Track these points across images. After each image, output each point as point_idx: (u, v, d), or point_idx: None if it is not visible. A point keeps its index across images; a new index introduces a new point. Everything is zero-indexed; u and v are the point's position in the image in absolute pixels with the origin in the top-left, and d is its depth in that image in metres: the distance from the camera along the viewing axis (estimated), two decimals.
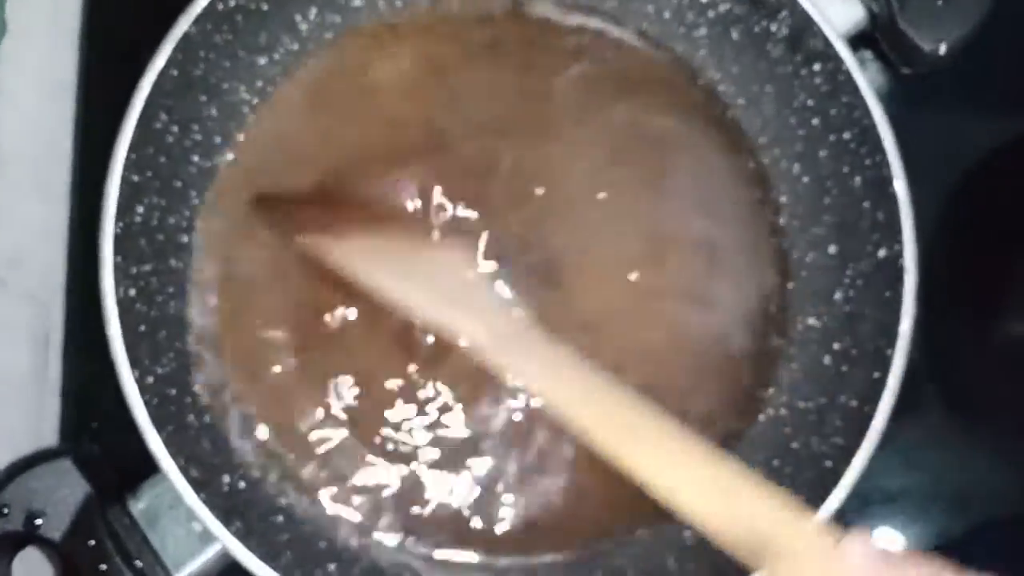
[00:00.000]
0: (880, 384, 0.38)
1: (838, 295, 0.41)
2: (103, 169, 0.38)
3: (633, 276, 0.42)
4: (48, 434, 0.46)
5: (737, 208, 0.43)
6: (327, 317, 0.41)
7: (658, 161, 0.43)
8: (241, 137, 0.42)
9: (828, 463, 0.39)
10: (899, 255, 0.38)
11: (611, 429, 0.36)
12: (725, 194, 0.42)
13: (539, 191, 0.42)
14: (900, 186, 0.38)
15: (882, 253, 0.39)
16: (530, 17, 0.44)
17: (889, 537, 0.45)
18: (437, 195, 0.41)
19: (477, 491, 0.41)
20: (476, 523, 0.41)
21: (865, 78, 0.38)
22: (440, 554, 0.40)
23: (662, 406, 0.39)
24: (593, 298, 0.42)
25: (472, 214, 0.42)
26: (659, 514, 0.40)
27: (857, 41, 0.41)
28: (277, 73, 0.42)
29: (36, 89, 0.50)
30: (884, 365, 0.38)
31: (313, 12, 0.42)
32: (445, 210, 0.42)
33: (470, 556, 0.40)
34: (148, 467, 0.38)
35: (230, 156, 0.42)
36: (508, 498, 0.41)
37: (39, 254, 0.48)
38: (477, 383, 0.41)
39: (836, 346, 0.41)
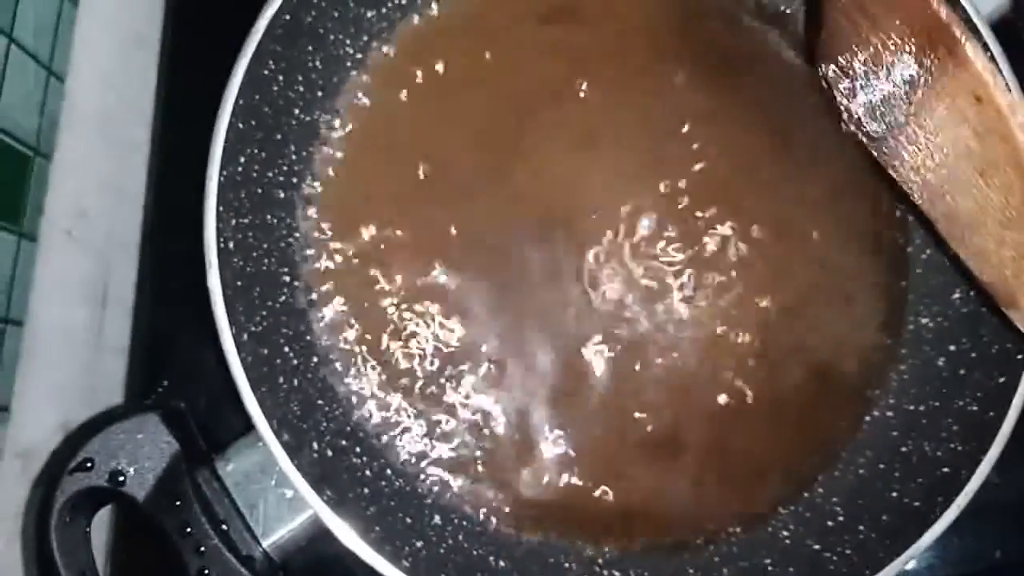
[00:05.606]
0: (1007, 389, 0.36)
1: (957, 294, 0.40)
2: (186, 126, 0.37)
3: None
4: (103, 393, 0.44)
5: (857, 201, 0.41)
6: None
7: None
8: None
9: (945, 469, 0.37)
10: None
11: None
12: (848, 186, 0.40)
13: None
14: None
15: None
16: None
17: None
18: None
19: (572, 479, 0.39)
20: (568, 510, 0.39)
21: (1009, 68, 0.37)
22: (529, 539, 0.39)
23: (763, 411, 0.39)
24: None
25: None
26: (753, 514, 0.40)
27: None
28: (383, 28, 0.41)
29: (114, 42, 0.48)
30: (1012, 368, 0.36)
31: None
32: None
33: (561, 542, 0.39)
34: (225, 429, 0.37)
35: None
36: (603, 488, 0.39)
37: (106, 208, 0.46)
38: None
39: (952, 348, 0.39)
